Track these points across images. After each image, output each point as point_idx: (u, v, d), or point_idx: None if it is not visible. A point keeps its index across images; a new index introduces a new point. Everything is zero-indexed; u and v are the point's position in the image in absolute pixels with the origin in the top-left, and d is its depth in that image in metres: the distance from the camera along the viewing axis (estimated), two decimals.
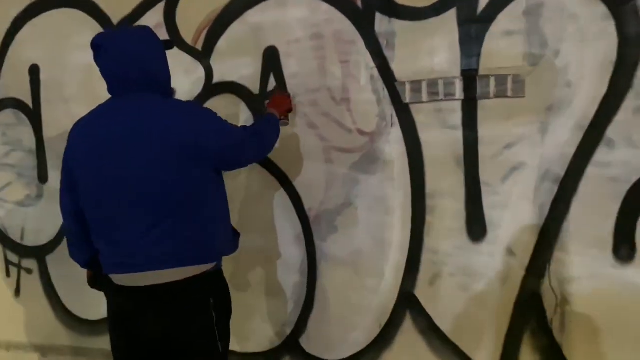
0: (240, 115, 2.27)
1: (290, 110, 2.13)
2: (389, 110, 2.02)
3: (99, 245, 1.68)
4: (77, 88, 2.51)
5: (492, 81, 1.87)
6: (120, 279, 1.63)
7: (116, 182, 1.57)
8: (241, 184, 2.25)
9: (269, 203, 2.25)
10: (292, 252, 2.24)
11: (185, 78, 2.31)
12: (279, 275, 2.27)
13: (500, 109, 1.87)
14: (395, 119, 2.02)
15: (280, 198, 2.24)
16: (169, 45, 1.82)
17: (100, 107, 1.69)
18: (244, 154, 1.79)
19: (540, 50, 1.81)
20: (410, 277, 2.05)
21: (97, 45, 1.63)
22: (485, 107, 1.89)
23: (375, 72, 2.02)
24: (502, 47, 1.85)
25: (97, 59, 1.66)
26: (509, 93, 1.85)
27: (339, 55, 2.08)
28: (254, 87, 2.23)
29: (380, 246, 2.09)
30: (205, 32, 2.27)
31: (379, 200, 2.08)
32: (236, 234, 1.85)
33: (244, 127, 1.92)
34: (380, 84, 2.02)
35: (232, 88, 2.27)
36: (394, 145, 2.03)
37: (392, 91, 2.01)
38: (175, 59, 2.20)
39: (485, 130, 1.90)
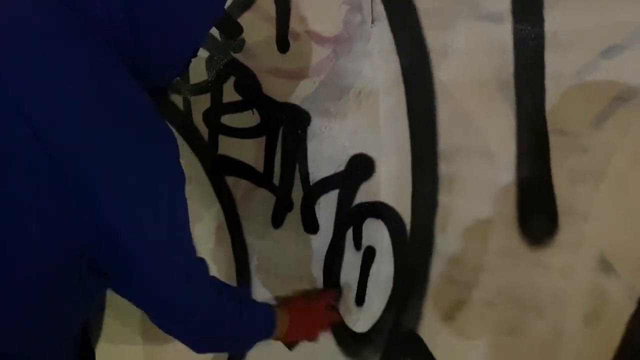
0: None
1: (311, 337, 1.14)
2: None
3: None
4: None
5: None
6: None
7: None
8: None
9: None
10: (209, 255, 1.34)
11: None
12: None
13: None
14: (381, 9, 1.04)
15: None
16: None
17: None
18: (187, 313, 0.89)
19: None
20: (407, 306, 1.13)
21: None
22: None
23: None
24: None
25: None
26: None
27: None
28: None
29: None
30: None
31: (351, 164, 1.14)
32: None
33: (208, 273, 0.94)
34: None
35: None
36: (377, 62, 1.06)
37: None
38: None
39: (560, 20, 0.91)
